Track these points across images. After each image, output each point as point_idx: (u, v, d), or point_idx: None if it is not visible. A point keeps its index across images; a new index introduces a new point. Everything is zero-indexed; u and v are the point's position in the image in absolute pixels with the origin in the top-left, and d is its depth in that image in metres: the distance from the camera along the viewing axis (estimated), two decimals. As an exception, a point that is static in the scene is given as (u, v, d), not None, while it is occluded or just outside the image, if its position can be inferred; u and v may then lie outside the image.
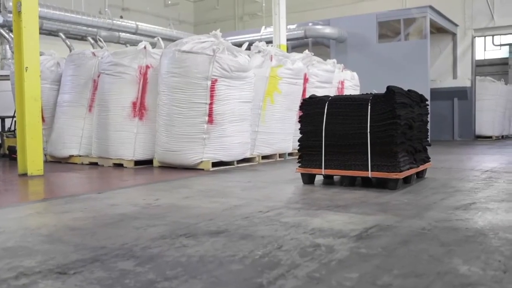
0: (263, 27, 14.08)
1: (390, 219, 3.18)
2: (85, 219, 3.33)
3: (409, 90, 5.08)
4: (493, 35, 18.12)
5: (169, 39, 12.99)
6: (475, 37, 14.98)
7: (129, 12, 16.33)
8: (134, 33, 12.54)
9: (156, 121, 6.88)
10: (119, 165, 7.20)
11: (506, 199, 3.96)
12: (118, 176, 6.12)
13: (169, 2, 17.76)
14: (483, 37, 17.59)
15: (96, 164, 7.51)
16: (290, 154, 8.34)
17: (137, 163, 7.15)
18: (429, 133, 5.83)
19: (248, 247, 2.50)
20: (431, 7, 12.82)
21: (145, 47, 7.18)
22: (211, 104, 6.39)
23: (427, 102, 5.49)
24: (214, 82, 6.36)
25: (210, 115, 6.40)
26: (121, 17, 15.81)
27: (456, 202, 3.83)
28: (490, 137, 15.09)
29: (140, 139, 7.11)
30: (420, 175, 5.33)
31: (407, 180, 4.82)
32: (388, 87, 4.63)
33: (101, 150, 7.37)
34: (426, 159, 5.44)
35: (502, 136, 15.90)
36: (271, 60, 7.74)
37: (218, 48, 6.39)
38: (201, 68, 6.36)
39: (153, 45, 13.99)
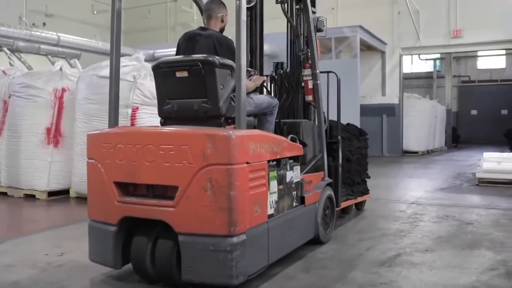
0: (196, 40, 13.70)
1: (311, 286, 2.98)
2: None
3: (347, 124, 5.15)
4: (419, 54, 18.85)
5: (95, 52, 12.29)
6: (402, 55, 15.45)
7: (53, 18, 15.34)
8: (55, 45, 11.70)
9: (73, 148, 6.37)
10: (31, 196, 6.58)
11: (430, 247, 3.89)
12: (27, 213, 5.58)
13: (95, 12, 16.81)
14: (410, 55, 18.25)
15: (5, 194, 6.79)
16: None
17: (52, 193, 6.57)
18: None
19: None
20: (361, 27, 13.02)
21: (61, 69, 6.64)
22: (132, 133, 5.98)
23: (366, 136, 5.45)
24: (135, 110, 5.94)
25: (131, 145, 5.99)
26: (44, 24, 14.84)
27: (381, 253, 3.71)
28: (417, 152, 15.57)
29: (55, 168, 6.53)
30: (358, 206, 5.42)
31: (345, 211, 5.02)
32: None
33: (11, 179, 6.70)
34: (365, 191, 5.39)
35: (428, 151, 16.48)
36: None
37: (139, 74, 5.98)
38: (120, 95, 5.92)
39: (78, 56, 13.28)
